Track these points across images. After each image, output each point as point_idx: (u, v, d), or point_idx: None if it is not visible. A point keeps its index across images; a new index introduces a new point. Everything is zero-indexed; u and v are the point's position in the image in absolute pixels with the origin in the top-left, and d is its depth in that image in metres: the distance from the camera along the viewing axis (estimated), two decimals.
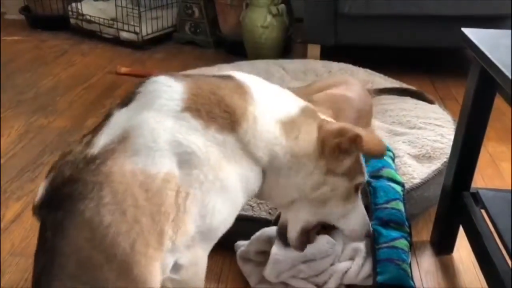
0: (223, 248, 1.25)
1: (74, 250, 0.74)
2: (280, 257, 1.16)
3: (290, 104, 0.95)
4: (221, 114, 0.85)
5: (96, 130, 0.85)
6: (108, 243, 0.73)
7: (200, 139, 0.82)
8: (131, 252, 0.74)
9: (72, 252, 0.74)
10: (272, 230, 1.22)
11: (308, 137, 0.93)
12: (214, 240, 0.89)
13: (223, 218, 0.87)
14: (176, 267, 0.84)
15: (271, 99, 0.93)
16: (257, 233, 1.24)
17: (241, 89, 0.89)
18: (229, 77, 0.93)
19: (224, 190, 0.84)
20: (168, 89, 0.85)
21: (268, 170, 0.91)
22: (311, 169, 0.93)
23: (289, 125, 0.91)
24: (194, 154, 0.81)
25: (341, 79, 1.88)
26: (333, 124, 0.98)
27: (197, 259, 0.87)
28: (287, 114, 0.92)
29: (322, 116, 1.00)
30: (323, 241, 1.20)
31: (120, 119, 0.84)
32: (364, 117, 1.65)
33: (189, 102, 0.84)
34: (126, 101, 0.87)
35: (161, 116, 0.82)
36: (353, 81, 1.84)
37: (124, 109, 0.86)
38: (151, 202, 0.77)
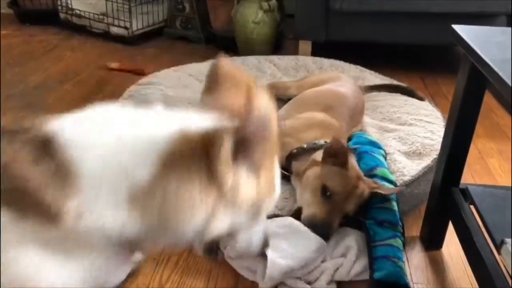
0: None
1: None
2: (278, 260, 1.15)
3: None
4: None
5: None
6: None
7: None
8: None
9: None
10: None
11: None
12: None
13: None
14: None
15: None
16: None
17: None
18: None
19: None
20: None
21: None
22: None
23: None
24: None
25: (333, 75, 1.89)
26: None
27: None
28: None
29: None
30: (317, 239, 1.20)
31: None
32: (357, 114, 1.66)
33: None
34: None
35: None
36: (345, 78, 1.85)
37: None
38: None
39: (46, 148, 0.61)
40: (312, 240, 1.19)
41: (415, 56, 2.80)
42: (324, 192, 1.25)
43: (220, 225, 0.67)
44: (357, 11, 2.36)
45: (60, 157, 0.60)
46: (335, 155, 1.28)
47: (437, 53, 2.80)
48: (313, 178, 1.29)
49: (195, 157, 0.62)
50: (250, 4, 2.59)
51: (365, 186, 1.28)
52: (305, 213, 1.26)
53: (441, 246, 1.34)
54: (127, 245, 0.65)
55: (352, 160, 1.34)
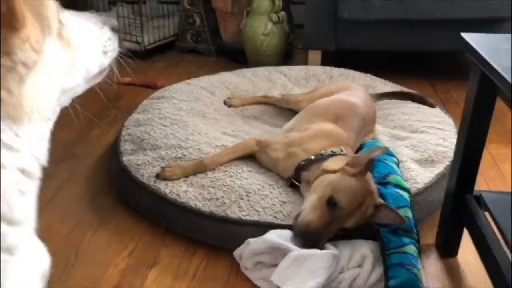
0: (230, 253, 1.28)
1: None
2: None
3: None
4: None
5: None
6: None
7: None
8: None
9: None
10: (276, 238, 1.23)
11: None
12: None
13: None
14: None
15: None
16: (264, 245, 1.23)
17: None
18: None
19: None
20: None
21: None
22: None
23: None
24: None
25: (343, 85, 1.90)
26: None
27: None
28: None
29: None
30: (325, 255, 1.20)
31: None
32: (368, 123, 1.67)
33: None
34: None
35: None
36: (356, 87, 1.86)
37: None
38: None
39: None
40: (324, 259, 1.18)
41: (424, 62, 2.80)
42: (330, 202, 1.24)
43: None
44: (365, 20, 2.37)
45: None
46: (359, 165, 1.27)
47: (446, 59, 2.80)
48: (325, 185, 1.29)
49: None
50: (259, 16, 2.62)
51: (371, 202, 1.26)
52: (303, 215, 1.25)
53: (456, 254, 1.34)
54: None
55: (369, 174, 1.34)
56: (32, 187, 0.60)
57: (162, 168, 1.48)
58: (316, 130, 1.52)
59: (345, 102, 1.67)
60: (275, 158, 1.49)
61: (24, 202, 0.59)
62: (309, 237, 1.21)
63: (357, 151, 1.55)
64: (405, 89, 2.12)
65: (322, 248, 1.22)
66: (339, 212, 1.23)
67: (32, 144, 0.59)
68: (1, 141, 0.54)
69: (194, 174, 1.47)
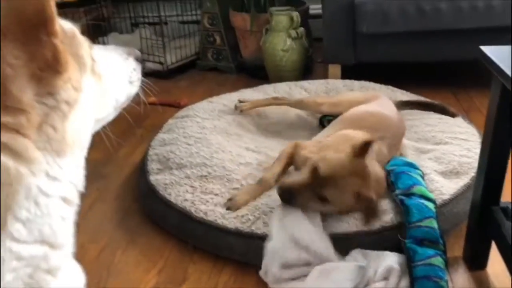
0: (257, 269, 1.29)
1: None
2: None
3: None
4: None
5: None
6: None
7: None
8: None
9: None
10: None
11: None
12: None
13: None
14: None
15: None
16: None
17: None
18: None
19: None
20: None
21: None
22: None
23: None
24: None
25: (372, 95, 1.88)
26: None
27: None
28: None
29: None
30: (350, 267, 1.22)
31: None
32: (398, 137, 1.65)
33: None
34: None
35: None
36: (383, 98, 1.84)
37: None
38: None
39: None
40: (350, 271, 1.20)
41: (445, 72, 2.79)
42: (313, 168, 1.30)
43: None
44: (384, 33, 2.38)
45: None
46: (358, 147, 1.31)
47: (467, 68, 2.78)
48: (315, 156, 1.36)
49: None
50: (278, 33, 2.66)
51: (359, 187, 1.29)
52: (290, 177, 1.35)
53: (485, 266, 1.33)
54: None
55: (376, 168, 1.38)
56: (71, 213, 0.65)
57: (229, 199, 1.47)
58: (347, 134, 1.53)
59: (381, 115, 1.65)
60: (307, 157, 1.47)
61: (65, 227, 0.63)
62: (284, 193, 1.32)
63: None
64: (426, 100, 2.11)
65: (302, 207, 1.31)
66: (319, 180, 1.29)
67: (71, 173, 0.63)
68: (48, 174, 0.59)
69: (261, 194, 1.48)
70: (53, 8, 0.57)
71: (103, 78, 0.72)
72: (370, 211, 1.34)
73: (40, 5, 0.55)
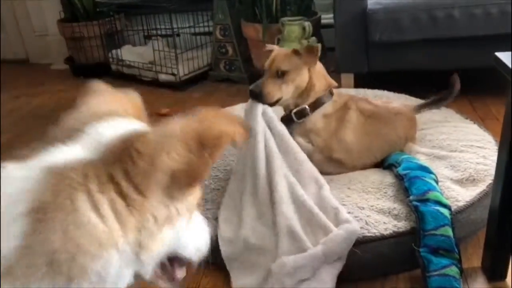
0: None
1: None
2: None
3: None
4: None
5: None
6: None
7: None
8: None
9: None
10: None
11: None
12: None
13: None
14: None
15: None
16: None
17: None
18: None
19: None
20: None
21: None
22: None
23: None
24: None
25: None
26: None
27: None
28: None
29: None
30: None
31: None
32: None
33: None
34: None
35: None
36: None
37: None
38: None
39: None
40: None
41: (460, 80, 2.74)
42: (264, 67, 1.64)
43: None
44: (397, 41, 2.37)
45: None
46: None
47: (483, 75, 2.75)
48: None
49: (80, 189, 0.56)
50: (290, 43, 2.66)
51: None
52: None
53: (505, 277, 1.30)
54: None
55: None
56: None
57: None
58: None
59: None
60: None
61: None
62: (254, 90, 1.56)
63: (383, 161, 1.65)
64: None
65: (268, 95, 1.58)
66: (267, 68, 1.62)
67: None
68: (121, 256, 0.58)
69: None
70: (226, 140, 0.64)
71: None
72: (310, 49, 1.62)
73: (219, 134, 0.63)
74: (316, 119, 1.63)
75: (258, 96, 1.56)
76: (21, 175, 0.56)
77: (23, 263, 0.52)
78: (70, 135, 0.62)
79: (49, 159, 0.58)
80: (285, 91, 1.61)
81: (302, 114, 1.64)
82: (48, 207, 0.54)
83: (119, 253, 0.57)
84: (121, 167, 0.58)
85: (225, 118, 0.67)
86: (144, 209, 0.59)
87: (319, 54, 1.62)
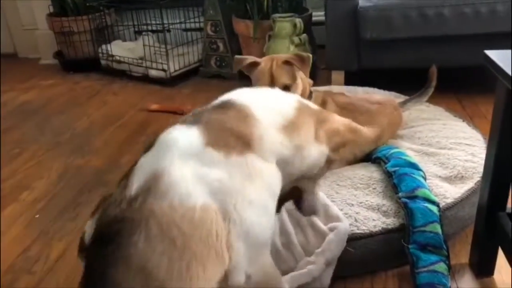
0: None
1: (127, 279, 0.78)
2: None
3: (285, 108, 1.11)
4: (235, 142, 0.96)
5: (128, 174, 0.93)
6: (163, 271, 0.79)
7: (224, 168, 0.91)
8: (186, 276, 0.80)
9: (124, 281, 0.78)
10: None
11: (308, 130, 1.11)
12: (266, 244, 0.99)
13: (262, 227, 0.96)
14: (248, 278, 0.91)
15: (270, 111, 1.07)
16: None
17: (242, 114, 1.02)
18: (228, 104, 1.05)
19: (254, 205, 0.94)
20: (185, 134, 0.96)
21: (279, 165, 1.04)
22: (311, 153, 1.12)
23: (290, 127, 1.06)
24: (221, 182, 0.90)
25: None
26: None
27: (261, 264, 0.96)
28: (285, 119, 1.07)
29: (314, 106, 1.21)
30: None
31: (147, 162, 0.92)
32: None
33: (208, 139, 0.94)
34: (148, 147, 0.96)
35: (185, 155, 0.91)
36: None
37: (149, 153, 0.94)
38: (196, 230, 0.84)
39: None
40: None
41: (450, 78, 2.77)
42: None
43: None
44: (387, 39, 2.38)
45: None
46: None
47: (472, 73, 2.77)
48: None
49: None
50: (281, 40, 2.66)
51: (277, 59, 1.62)
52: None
53: (492, 273, 1.31)
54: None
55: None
56: None
57: None
58: None
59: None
60: None
61: None
62: None
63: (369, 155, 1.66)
64: (430, 105, 2.10)
65: None
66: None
67: None
68: None
69: None
70: None
71: None
72: (301, 59, 1.60)
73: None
74: None
75: None
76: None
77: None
78: None
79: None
80: None
81: None
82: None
83: None
84: None
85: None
86: None
87: (311, 63, 1.61)
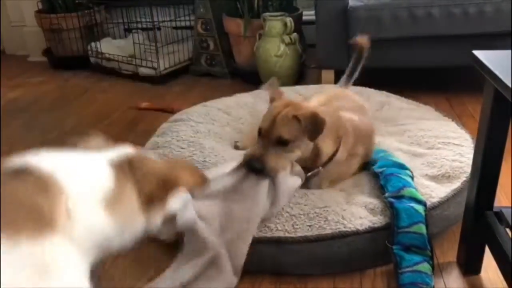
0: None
1: None
2: None
3: (102, 173, 0.90)
4: (34, 223, 0.75)
5: None
6: None
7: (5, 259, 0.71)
8: None
9: None
10: None
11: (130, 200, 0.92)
12: None
13: None
14: None
15: (82, 179, 0.86)
16: None
17: (43, 183, 0.81)
18: (26, 170, 0.82)
19: None
20: None
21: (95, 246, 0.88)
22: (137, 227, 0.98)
23: (110, 200, 0.87)
24: None
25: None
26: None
27: None
28: (104, 190, 0.87)
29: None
30: None
31: None
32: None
33: None
34: None
35: None
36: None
37: None
38: None
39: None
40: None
41: (439, 77, 2.80)
42: (260, 132, 1.40)
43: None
44: (377, 39, 2.38)
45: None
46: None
47: (460, 73, 2.80)
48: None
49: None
50: (272, 38, 2.67)
51: (291, 109, 1.38)
52: (244, 157, 1.40)
53: (479, 271, 1.33)
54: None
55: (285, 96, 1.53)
56: None
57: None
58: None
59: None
60: None
61: None
62: (255, 166, 1.35)
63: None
64: (420, 104, 2.12)
65: (272, 168, 1.36)
66: (264, 131, 1.38)
67: None
68: None
69: None
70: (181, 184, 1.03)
71: None
72: (314, 121, 1.36)
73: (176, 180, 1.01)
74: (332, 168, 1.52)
75: (261, 171, 1.35)
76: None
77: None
78: None
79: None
80: (291, 159, 1.41)
81: (316, 173, 1.51)
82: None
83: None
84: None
85: (188, 169, 1.05)
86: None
87: (324, 128, 1.36)
